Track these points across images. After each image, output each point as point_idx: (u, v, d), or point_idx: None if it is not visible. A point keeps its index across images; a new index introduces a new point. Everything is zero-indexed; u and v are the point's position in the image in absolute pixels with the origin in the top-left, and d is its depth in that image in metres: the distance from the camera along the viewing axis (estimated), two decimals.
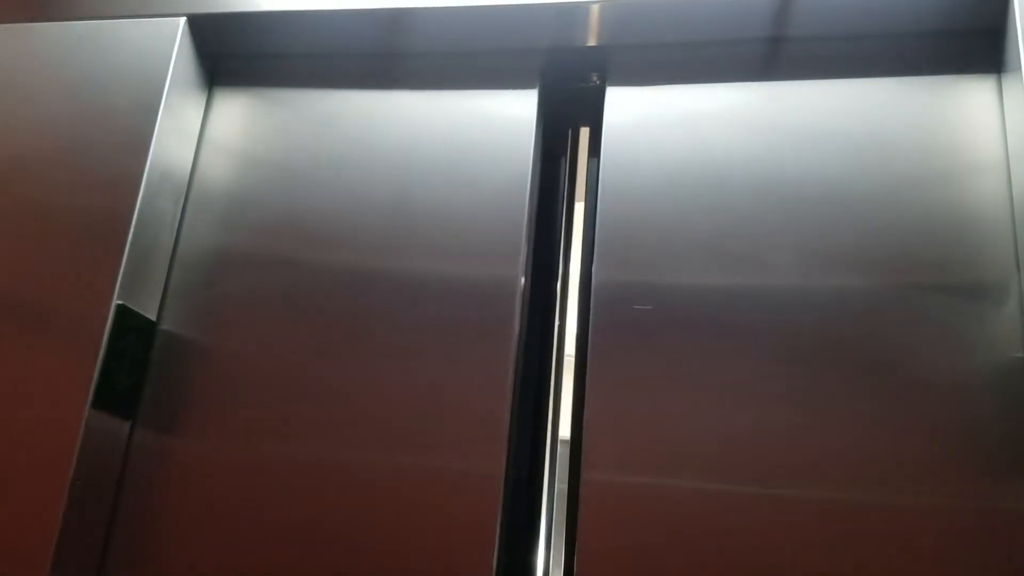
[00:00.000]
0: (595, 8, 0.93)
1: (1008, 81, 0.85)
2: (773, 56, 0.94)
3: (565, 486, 0.87)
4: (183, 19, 1.02)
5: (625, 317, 0.87)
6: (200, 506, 0.89)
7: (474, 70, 1.00)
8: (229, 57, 1.08)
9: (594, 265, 0.89)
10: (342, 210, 0.96)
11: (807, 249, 0.85)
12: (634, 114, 0.95)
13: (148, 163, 0.95)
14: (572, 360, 0.91)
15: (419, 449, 0.86)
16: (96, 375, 0.88)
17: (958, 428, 0.77)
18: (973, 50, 0.90)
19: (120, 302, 0.91)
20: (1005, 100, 0.85)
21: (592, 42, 0.97)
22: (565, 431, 0.92)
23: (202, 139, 1.05)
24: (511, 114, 0.97)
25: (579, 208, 1.03)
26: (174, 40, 1.00)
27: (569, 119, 1.07)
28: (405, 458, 0.86)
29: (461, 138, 0.97)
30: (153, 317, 0.97)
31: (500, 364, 0.87)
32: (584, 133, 1.06)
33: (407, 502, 0.84)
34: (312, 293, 0.94)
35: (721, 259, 0.87)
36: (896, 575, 0.74)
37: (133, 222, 0.93)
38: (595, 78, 1.01)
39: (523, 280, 0.90)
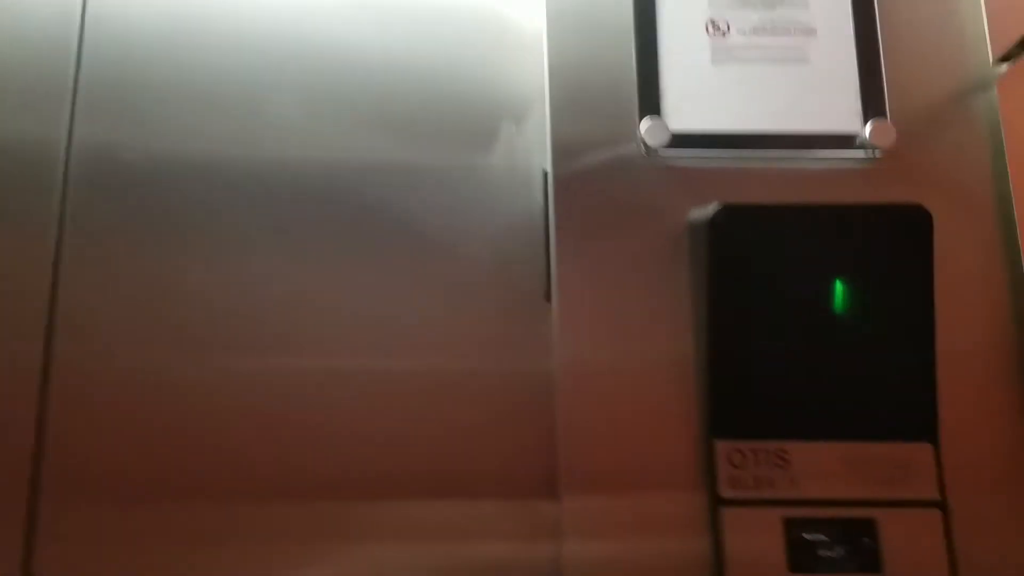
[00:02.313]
0: None
1: None
2: None
3: None
4: None
5: (109, 176, 0.78)
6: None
7: None
8: None
9: (74, 122, 0.80)
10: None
11: (323, 110, 0.79)
12: None
13: None
14: None
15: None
16: None
17: (479, 293, 0.74)
18: None
19: None
20: None
21: None
22: None
23: None
24: None
25: None
26: None
27: None
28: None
29: None
30: None
31: None
32: None
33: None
34: None
35: (220, 121, 0.79)
36: (414, 439, 0.71)
37: None
38: None
39: None
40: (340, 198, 0.78)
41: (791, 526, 0.60)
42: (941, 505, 0.61)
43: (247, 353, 0.74)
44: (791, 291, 0.63)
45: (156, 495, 0.71)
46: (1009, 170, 0.71)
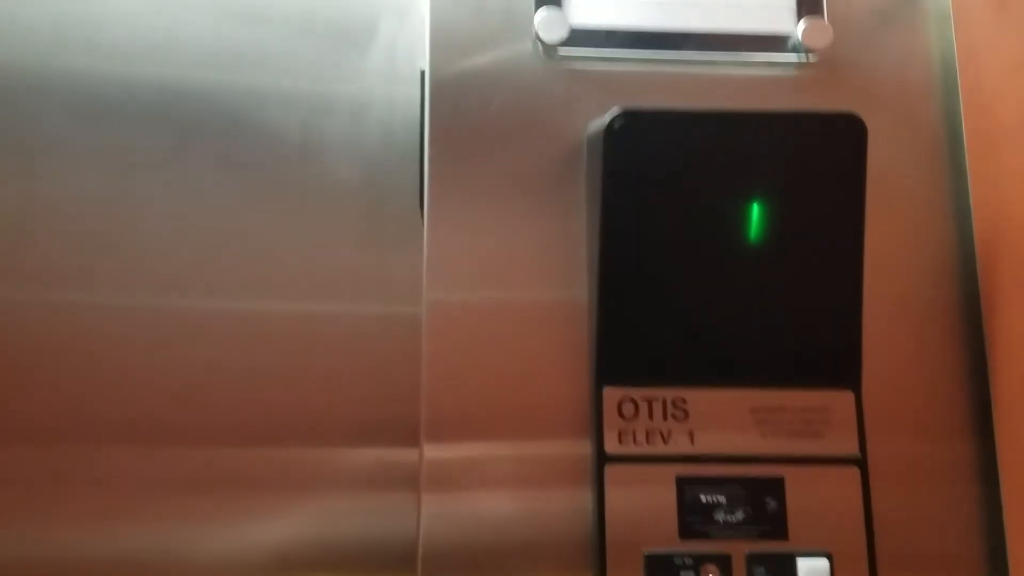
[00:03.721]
0: None
1: None
2: None
3: None
4: None
5: None
6: None
7: None
8: None
9: None
10: None
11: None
12: None
13: None
14: None
15: None
16: None
17: (348, 218, 0.66)
18: None
19: None
20: None
21: None
22: None
23: None
24: None
25: None
26: None
27: None
28: None
29: None
30: None
31: None
32: None
33: None
34: None
35: (49, 22, 0.67)
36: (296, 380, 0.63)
37: None
38: None
39: None
40: (185, 110, 0.67)
41: (685, 486, 0.51)
42: (860, 462, 0.53)
43: (64, 287, 0.64)
44: (698, 213, 0.54)
45: None
46: (960, 80, 0.62)
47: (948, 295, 0.59)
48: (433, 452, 0.54)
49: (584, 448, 0.54)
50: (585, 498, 0.54)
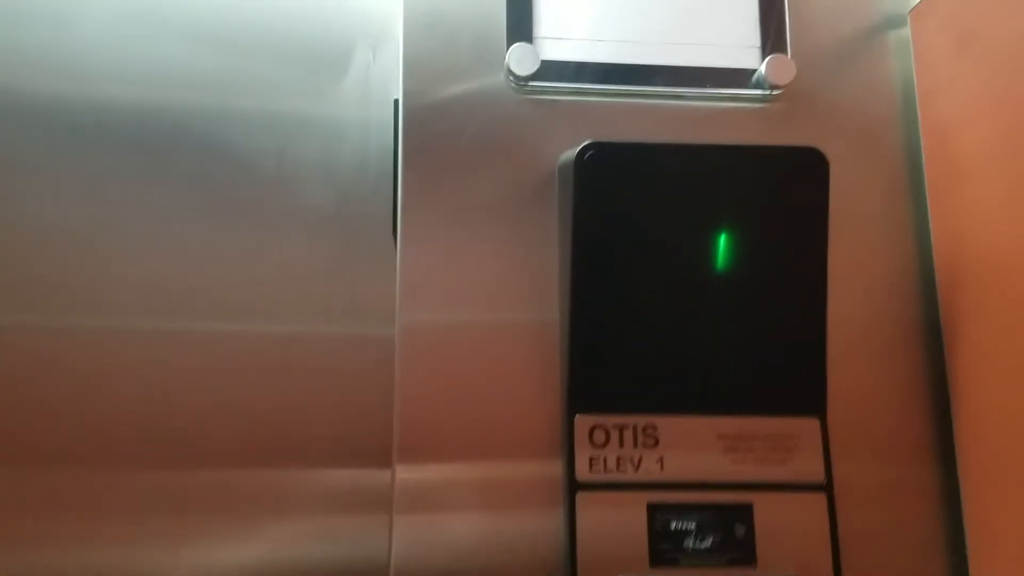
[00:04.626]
0: None
1: None
2: None
3: None
4: None
5: None
6: None
7: None
8: None
9: None
10: None
11: (141, 31, 0.69)
12: None
13: None
14: None
15: None
16: None
17: (320, 242, 0.67)
18: None
19: None
20: None
21: None
22: None
23: None
24: None
25: None
26: None
27: None
28: None
29: None
30: None
31: None
32: None
33: None
34: None
35: (17, 42, 0.68)
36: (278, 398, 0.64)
37: None
38: None
39: None
40: (159, 135, 0.67)
41: (656, 513, 0.52)
42: (826, 488, 0.54)
43: (35, 310, 0.64)
44: (666, 243, 0.55)
45: None
46: (919, 115, 0.64)
47: (910, 320, 0.60)
48: (405, 473, 0.55)
49: (557, 469, 0.55)
50: (558, 520, 0.54)
